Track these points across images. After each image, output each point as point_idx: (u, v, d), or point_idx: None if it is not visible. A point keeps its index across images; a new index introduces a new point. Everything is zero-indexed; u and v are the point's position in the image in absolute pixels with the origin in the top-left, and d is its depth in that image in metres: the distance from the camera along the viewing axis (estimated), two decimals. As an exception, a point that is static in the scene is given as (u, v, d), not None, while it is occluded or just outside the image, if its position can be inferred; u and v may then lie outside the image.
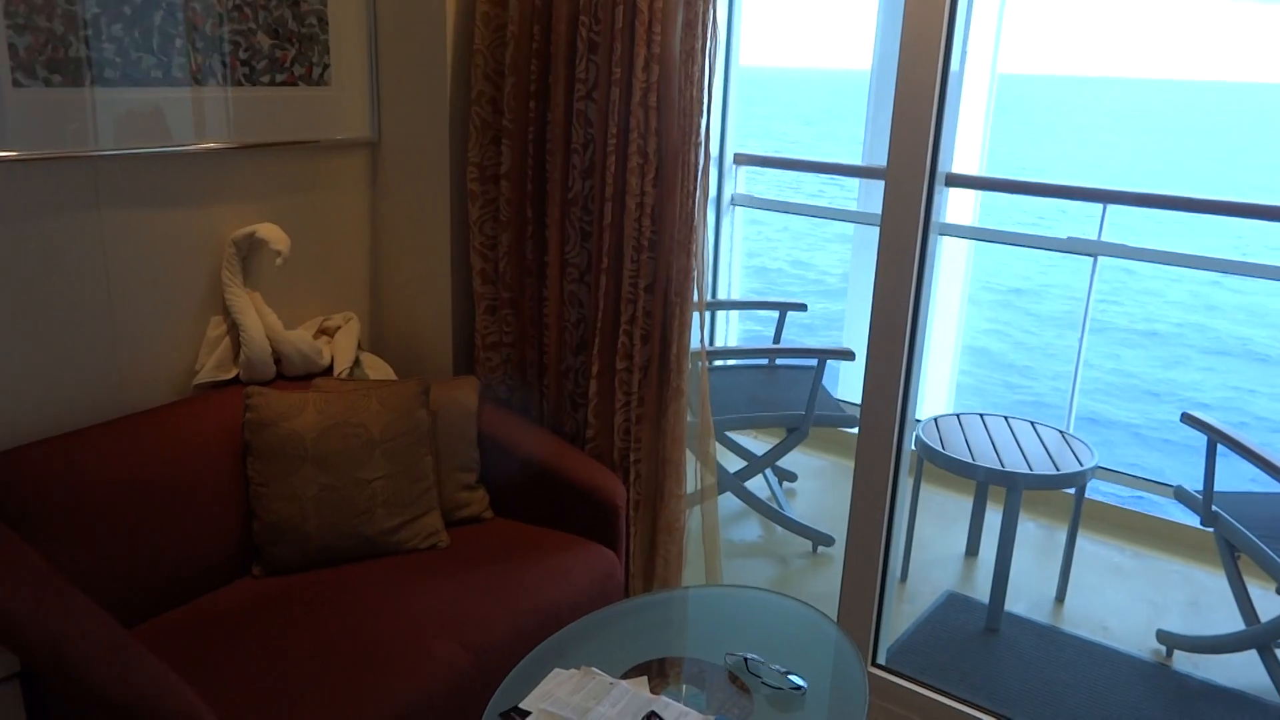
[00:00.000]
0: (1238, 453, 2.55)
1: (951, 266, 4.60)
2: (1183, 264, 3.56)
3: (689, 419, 2.45)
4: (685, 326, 2.35)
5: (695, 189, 2.26)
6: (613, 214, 2.31)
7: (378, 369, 2.61)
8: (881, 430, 2.24)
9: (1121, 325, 12.69)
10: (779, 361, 3.63)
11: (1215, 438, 2.62)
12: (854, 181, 5.20)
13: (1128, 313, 13.23)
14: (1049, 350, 11.11)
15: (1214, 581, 3.21)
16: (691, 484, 2.52)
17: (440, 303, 2.66)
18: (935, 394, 4.62)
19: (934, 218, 2.13)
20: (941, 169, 2.10)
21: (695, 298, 2.35)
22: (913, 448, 3.05)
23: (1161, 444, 8.76)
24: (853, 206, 5.15)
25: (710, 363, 3.59)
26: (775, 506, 3.49)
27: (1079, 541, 3.16)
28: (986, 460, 2.88)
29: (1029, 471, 2.81)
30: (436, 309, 2.68)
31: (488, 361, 2.61)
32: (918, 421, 3.30)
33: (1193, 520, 3.02)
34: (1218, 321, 13.13)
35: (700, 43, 2.18)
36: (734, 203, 4.33)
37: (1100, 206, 3.55)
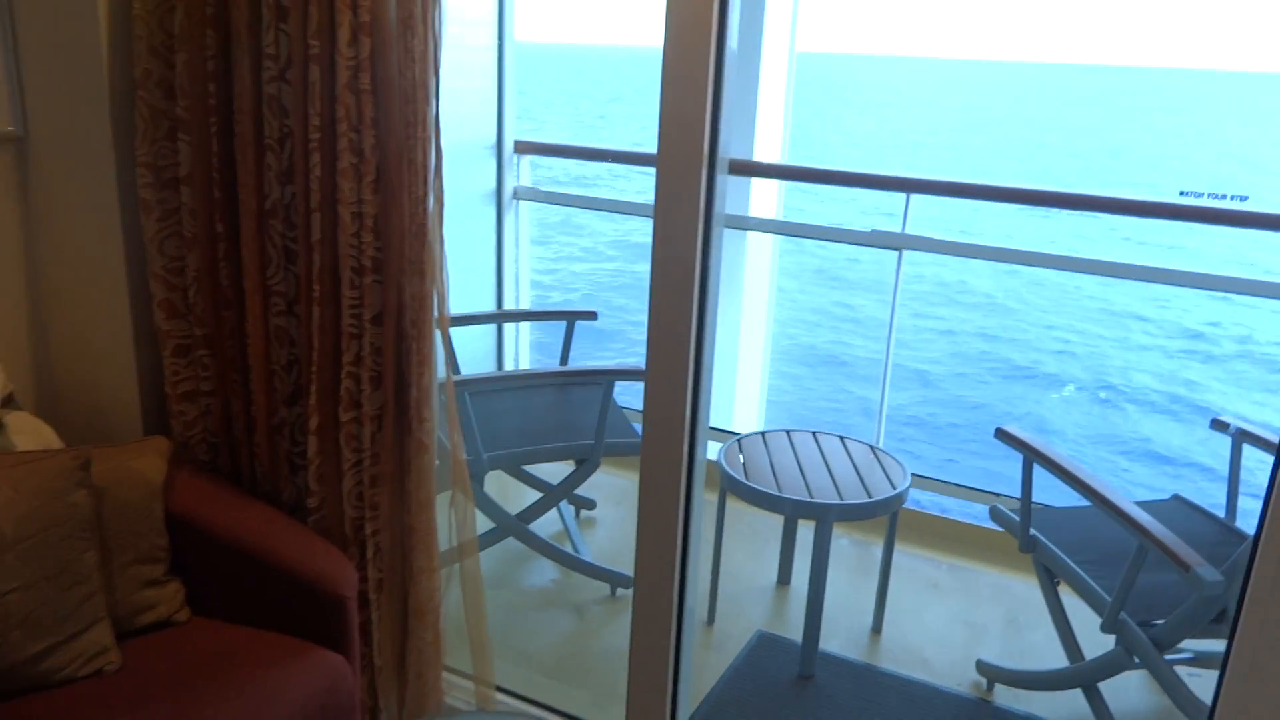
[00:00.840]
0: (1053, 472, 2.33)
1: (758, 264, 4.33)
2: (991, 257, 3.38)
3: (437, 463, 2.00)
4: (426, 364, 1.89)
5: (427, 194, 1.80)
6: (322, 228, 1.82)
7: (32, 434, 2.01)
8: (666, 460, 1.85)
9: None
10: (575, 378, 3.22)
11: (1030, 455, 2.40)
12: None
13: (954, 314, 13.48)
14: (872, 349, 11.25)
15: (1032, 593, 3.04)
16: (445, 540, 2.06)
17: (119, 343, 2.09)
18: (746, 405, 4.35)
19: (716, 209, 1.75)
20: (723, 155, 1.73)
21: (436, 316, 1.90)
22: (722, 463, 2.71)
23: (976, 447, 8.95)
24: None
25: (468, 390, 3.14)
26: (569, 544, 3.09)
27: (895, 557, 2.92)
28: (794, 490, 2.56)
29: (839, 502, 2.51)
30: (115, 351, 2.10)
31: (182, 416, 2.07)
32: (733, 435, 2.98)
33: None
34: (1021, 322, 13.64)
35: (421, 9, 1.71)
36: (517, 196, 3.88)
37: (904, 196, 3.33)
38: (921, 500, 3.62)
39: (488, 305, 3.96)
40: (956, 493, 3.50)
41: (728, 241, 4.35)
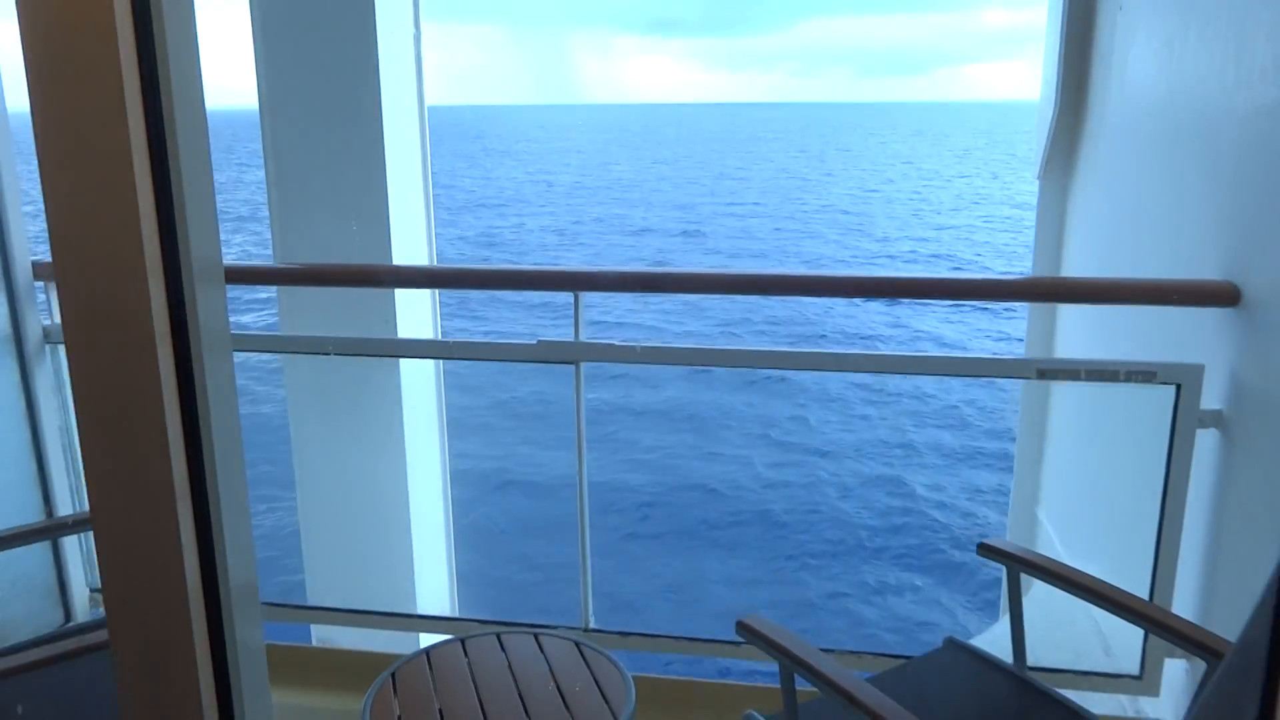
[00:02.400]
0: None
1: (419, 396, 3.50)
2: (678, 360, 2.79)
3: None
4: None
5: None
6: None
7: None
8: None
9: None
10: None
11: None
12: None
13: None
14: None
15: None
16: None
17: None
18: (431, 578, 3.49)
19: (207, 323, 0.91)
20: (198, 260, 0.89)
21: None
22: None
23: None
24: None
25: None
26: None
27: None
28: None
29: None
30: None
31: None
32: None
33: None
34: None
35: None
36: (50, 339, 2.78)
37: (571, 295, 2.66)
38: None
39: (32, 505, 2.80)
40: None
41: (374, 372, 3.49)
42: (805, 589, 8.67)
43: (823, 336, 17.35)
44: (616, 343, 2.64)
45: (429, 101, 3.51)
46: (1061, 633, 3.12)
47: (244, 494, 0.88)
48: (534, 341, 2.65)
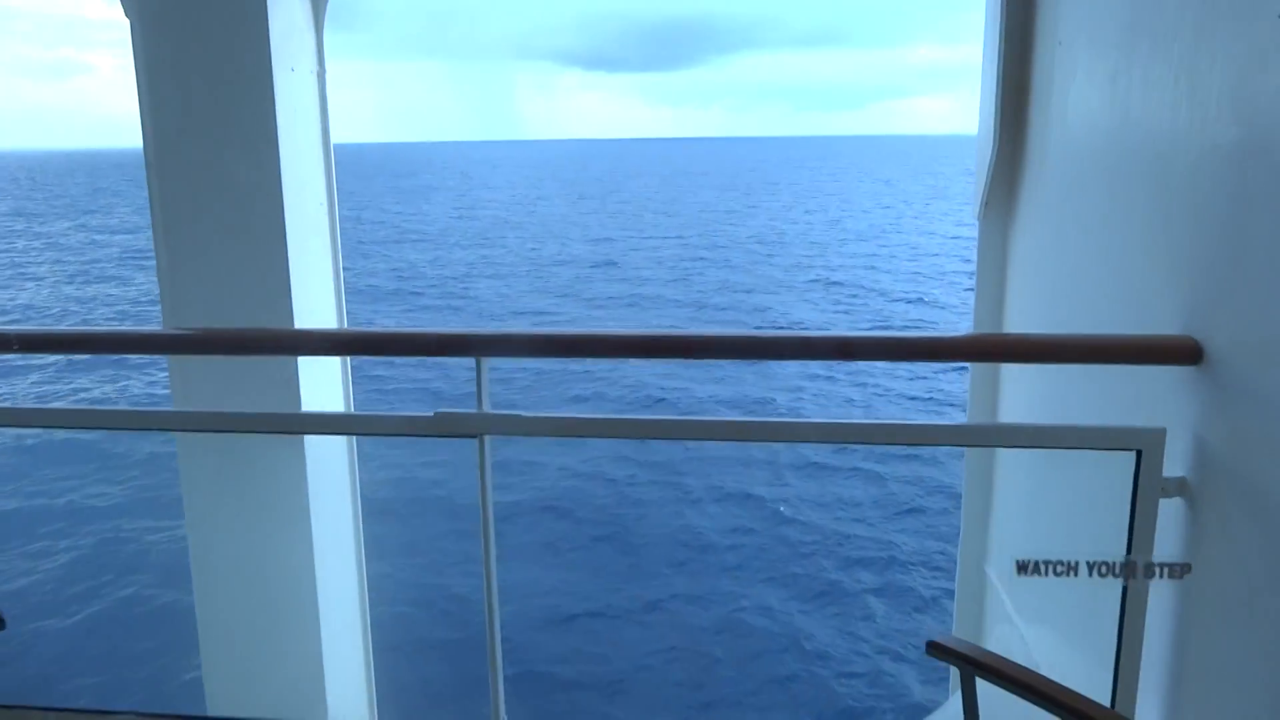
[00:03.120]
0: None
1: (325, 478, 3.18)
2: (588, 434, 2.52)
3: None
4: None
5: None
6: None
7: None
8: None
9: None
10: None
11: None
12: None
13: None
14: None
15: None
16: None
17: None
18: (343, 683, 3.18)
19: None
20: None
21: None
22: None
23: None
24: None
25: None
26: None
27: None
28: None
29: None
30: None
31: None
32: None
33: None
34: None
35: None
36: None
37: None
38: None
39: None
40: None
41: (274, 448, 3.19)
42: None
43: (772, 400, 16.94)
44: (523, 414, 2.38)
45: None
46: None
47: None
48: (430, 413, 2.37)
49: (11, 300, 28.92)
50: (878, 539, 10.97)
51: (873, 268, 34.02)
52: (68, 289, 30.68)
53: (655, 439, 2.40)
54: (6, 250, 39.64)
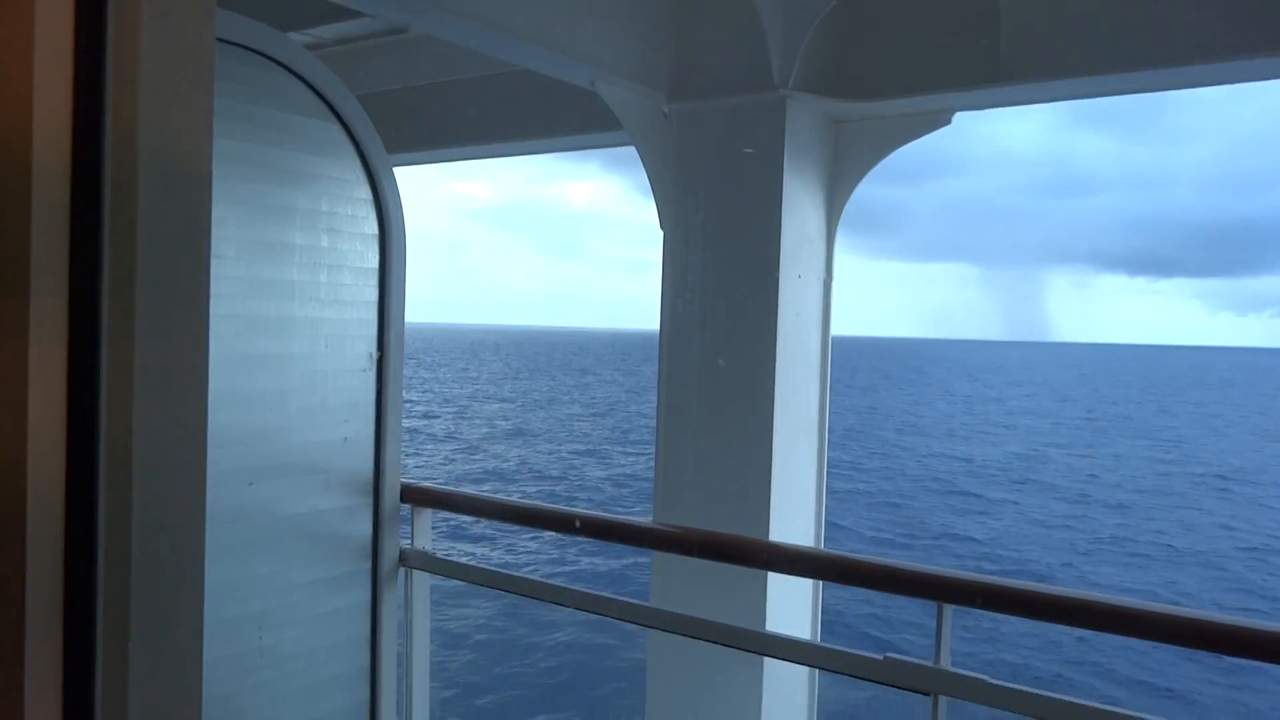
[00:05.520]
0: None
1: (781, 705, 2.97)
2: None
3: None
4: None
5: None
6: None
7: None
8: None
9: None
10: None
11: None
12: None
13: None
14: None
15: None
16: None
17: None
18: None
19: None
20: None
21: None
22: None
23: None
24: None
25: None
26: None
27: None
28: None
29: None
30: None
31: None
32: None
33: None
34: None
35: None
36: (405, 563, 2.77)
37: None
38: None
39: None
40: None
41: (734, 662, 3.06)
42: None
43: None
44: (989, 680, 1.94)
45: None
46: None
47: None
48: (880, 656, 2.04)
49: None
50: None
51: None
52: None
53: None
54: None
